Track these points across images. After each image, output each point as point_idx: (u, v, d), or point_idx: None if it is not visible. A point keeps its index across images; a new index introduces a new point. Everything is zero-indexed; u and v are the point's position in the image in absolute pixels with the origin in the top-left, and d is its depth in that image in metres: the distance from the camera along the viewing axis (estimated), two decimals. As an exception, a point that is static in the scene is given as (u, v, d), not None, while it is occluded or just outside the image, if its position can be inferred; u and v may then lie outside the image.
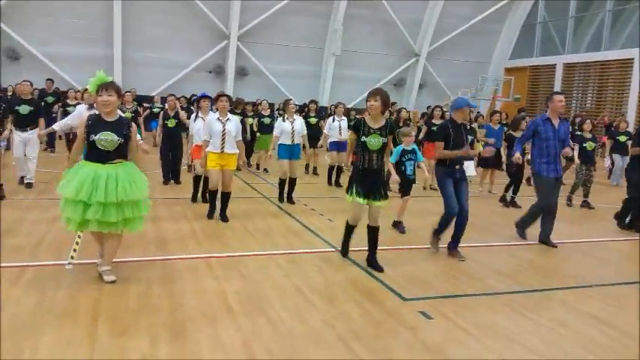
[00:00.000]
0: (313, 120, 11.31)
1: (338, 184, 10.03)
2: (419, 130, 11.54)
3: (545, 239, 6.35)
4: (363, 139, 4.94)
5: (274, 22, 22.56)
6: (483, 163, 9.98)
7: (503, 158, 9.40)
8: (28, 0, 19.49)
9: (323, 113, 12.82)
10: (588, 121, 9.64)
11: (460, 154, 5.53)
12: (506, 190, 9.11)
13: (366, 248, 5.18)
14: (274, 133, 8.43)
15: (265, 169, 11.78)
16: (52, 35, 20.20)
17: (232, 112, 8.77)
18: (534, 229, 6.51)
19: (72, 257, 4.92)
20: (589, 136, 9.37)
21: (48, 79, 14.94)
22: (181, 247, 5.55)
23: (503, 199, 9.13)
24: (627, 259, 6.16)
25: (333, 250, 5.66)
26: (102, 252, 4.51)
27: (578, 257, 6.10)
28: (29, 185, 8.33)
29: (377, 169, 4.99)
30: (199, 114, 7.77)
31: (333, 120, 10.40)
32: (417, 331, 3.70)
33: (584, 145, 9.27)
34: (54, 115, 12.76)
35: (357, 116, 10.44)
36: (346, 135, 9.70)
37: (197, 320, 3.70)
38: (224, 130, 6.59)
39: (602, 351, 3.58)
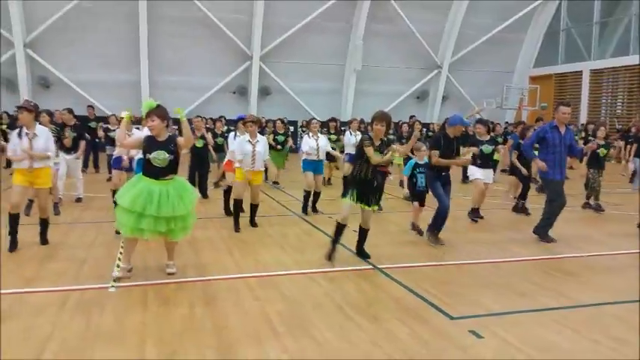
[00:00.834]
0: (333, 137, 12.20)
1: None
2: None
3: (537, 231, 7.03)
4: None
5: (295, 41, 22.78)
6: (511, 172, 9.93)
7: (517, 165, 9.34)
8: (56, 30, 20.09)
9: (342, 129, 13.41)
10: (602, 128, 9.99)
11: (453, 163, 6.68)
12: (523, 197, 9.18)
13: (402, 265, 5.67)
14: (302, 149, 8.99)
15: (276, 182, 12.10)
16: (80, 62, 20.71)
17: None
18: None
19: (118, 266, 5.19)
20: (602, 142, 9.60)
21: (89, 106, 16.36)
22: (219, 267, 5.55)
23: (515, 209, 9.23)
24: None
25: (371, 267, 5.61)
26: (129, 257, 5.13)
27: (626, 270, 5.89)
28: (79, 200, 9.29)
29: (371, 179, 5.64)
30: (237, 133, 8.30)
31: (350, 134, 10.90)
32: (468, 351, 3.61)
33: (597, 150, 9.43)
34: (97, 140, 13.97)
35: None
36: None
37: (243, 341, 3.68)
38: (254, 150, 7.28)
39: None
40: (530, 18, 25.67)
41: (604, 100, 23.52)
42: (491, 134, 9.37)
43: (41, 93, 20.58)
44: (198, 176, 9.86)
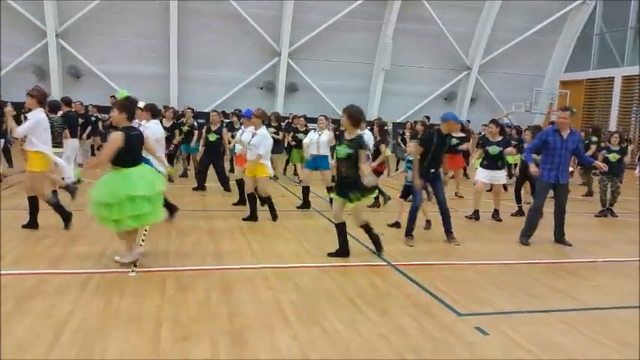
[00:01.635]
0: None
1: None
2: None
3: (560, 238, 6.95)
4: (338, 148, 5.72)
5: (324, 38, 22.87)
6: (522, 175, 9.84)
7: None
8: (88, 21, 20.61)
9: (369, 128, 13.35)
10: (616, 134, 10.07)
11: (416, 182, 6.54)
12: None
13: (416, 263, 5.76)
14: (304, 140, 9.51)
15: (300, 180, 12.06)
16: (111, 54, 21.22)
17: (269, 125, 10.01)
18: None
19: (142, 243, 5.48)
20: (616, 148, 9.75)
21: (112, 96, 16.12)
22: (237, 257, 5.68)
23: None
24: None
25: (385, 263, 5.66)
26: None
27: (638, 276, 5.84)
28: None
29: (345, 176, 5.63)
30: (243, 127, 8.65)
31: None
32: (474, 348, 3.65)
33: (608, 155, 9.62)
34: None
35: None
36: None
37: (255, 328, 3.79)
38: (249, 142, 7.63)
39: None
40: (564, 21, 25.25)
41: (635, 108, 22.94)
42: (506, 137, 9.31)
43: (72, 83, 21.16)
44: (215, 168, 10.07)
